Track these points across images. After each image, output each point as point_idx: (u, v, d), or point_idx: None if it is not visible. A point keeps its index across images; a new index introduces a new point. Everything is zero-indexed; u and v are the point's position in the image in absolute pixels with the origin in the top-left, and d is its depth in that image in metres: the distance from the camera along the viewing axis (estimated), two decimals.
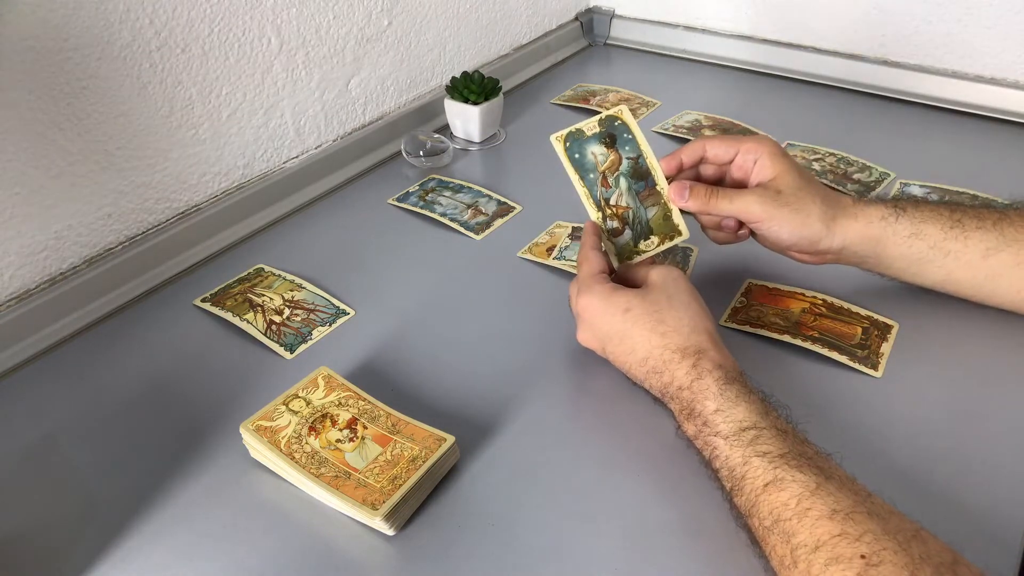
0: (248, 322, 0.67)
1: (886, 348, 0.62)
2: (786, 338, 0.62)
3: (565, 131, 0.62)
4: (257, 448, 0.53)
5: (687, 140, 0.86)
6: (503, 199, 0.84)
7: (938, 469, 0.52)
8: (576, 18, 1.25)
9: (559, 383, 0.61)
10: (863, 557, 0.39)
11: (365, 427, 0.54)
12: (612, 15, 1.25)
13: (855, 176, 0.85)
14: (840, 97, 1.06)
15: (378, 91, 0.93)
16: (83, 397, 0.61)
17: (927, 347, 0.62)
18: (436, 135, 0.92)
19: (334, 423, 0.54)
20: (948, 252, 0.59)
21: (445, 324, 0.67)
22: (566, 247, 0.75)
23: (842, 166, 0.87)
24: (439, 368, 0.62)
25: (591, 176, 0.62)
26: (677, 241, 0.62)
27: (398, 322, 0.67)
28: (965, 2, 0.96)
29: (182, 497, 0.52)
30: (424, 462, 0.51)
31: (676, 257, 0.74)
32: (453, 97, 0.94)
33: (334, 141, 0.90)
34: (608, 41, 1.26)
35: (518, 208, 0.83)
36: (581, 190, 0.62)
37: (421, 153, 0.90)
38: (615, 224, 0.62)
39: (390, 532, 0.49)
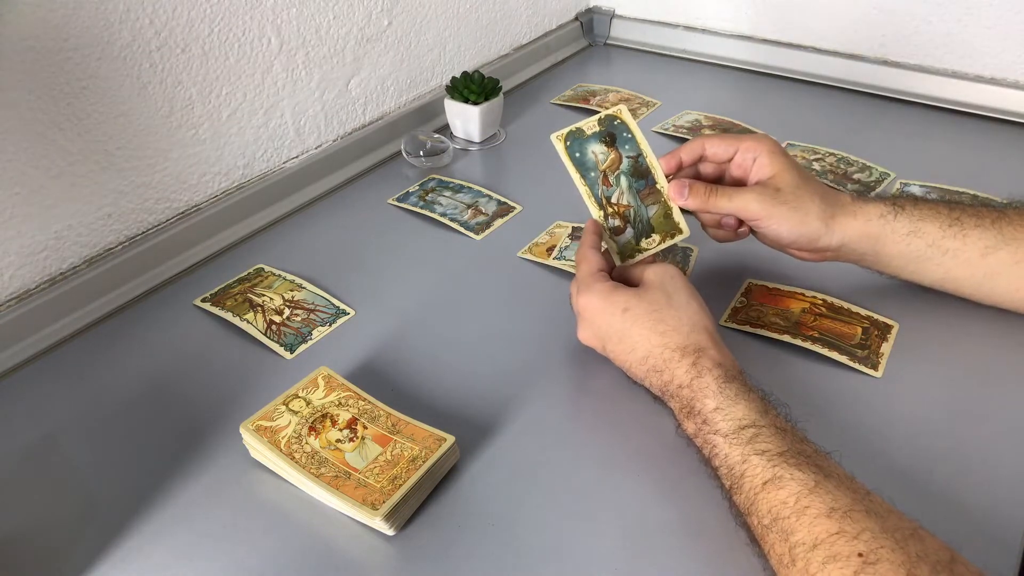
0: (248, 322, 0.67)
1: (886, 348, 0.62)
2: (786, 338, 0.62)
3: (565, 130, 0.62)
4: (257, 448, 0.53)
5: (687, 140, 0.86)
6: (503, 199, 0.84)
7: (938, 469, 0.52)
8: (576, 18, 1.25)
9: (559, 383, 0.61)
10: (861, 555, 0.39)
11: (365, 427, 0.54)
12: (612, 15, 1.25)
13: (855, 176, 0.85)
14: (840, 97, 1.06)
15: (378, 91, 0.93)
16: (83, 397, 0.61)
17: (927, 347, 0.62)
18: (436, 135, 0.92)
19: (334, 423, 0.54)
20: (946, 250, 0.59)
21: (445, 324, 0.67)
22: (566, 247, 0.75)
23: (842, 166, 0.86)
24: (439, 368, 0.62)
25: (592, 175, 0.62)
26: (678, 239, 0.62)
27: (398, 322, 0.67)
28: (965, 2, 0.96)
29: (182, 497, 0.52)
30: (424, 462, 0.51)
31: (676, 257, 0.74)
32: (453, 97, 0.94)
33: (334, 141, 0.90)
34: (608, 41, 1.26)
35: (518, 208, 0.83)
36: (582, 189, 0.62)
37: (421, 153, 0.90)
38: (617, 222, 0.62)
39: (390, 532, 0.49)
